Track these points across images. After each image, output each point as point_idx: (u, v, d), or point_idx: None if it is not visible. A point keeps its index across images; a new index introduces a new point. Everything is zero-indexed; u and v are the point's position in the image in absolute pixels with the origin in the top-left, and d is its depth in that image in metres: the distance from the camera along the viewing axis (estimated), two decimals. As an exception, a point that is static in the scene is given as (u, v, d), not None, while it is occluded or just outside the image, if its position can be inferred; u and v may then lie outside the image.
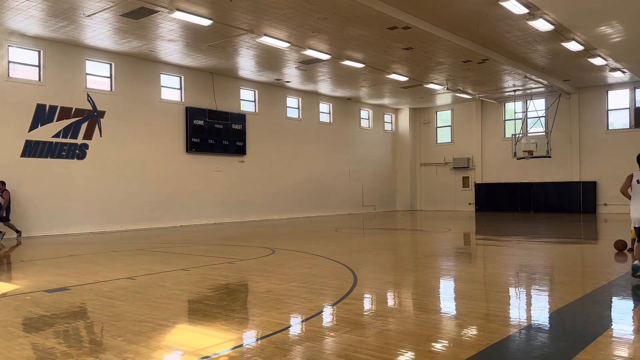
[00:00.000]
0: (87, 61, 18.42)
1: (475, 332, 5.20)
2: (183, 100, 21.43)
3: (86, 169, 18.25)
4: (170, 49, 18.58)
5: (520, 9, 14.58)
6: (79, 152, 18.11)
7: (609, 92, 26.85)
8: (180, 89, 21.45)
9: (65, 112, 17.77)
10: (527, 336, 5.03)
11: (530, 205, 28.97)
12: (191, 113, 21.43)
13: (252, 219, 23.83)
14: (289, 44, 17.57)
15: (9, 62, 16.65)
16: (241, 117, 23.41)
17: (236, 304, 6.80)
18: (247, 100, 24.22)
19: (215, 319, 5.80)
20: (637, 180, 8.13)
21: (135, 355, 4.50)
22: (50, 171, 17.39)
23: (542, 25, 15.84)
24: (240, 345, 4.89)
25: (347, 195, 29.33)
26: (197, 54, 19.27)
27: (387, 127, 33.05)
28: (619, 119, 26.87)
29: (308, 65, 21.21)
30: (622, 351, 4.65)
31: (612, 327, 5.36)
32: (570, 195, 27.61)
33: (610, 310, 6.32)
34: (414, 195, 33.31)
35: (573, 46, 18.32)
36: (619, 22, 16.25)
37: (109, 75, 19.17)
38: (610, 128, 26.97)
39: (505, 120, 30.36)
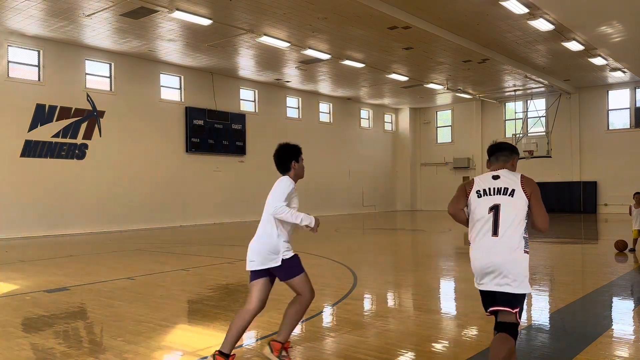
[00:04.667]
0: (86, 61, 18.40)
1: (475, 333, 5.19)
2: (183, 100, 21.41)
3: (86, 169, 18.24)
4: (170, 48, 18.56)
5: (520, 9, 14.56)
6: (78, 152, 18.10)
7: (609, 92, 26.84)
8: (180, 88, 21.44)
9: (65, 112, 17.76)
10: (527, 336, 5.02)
11: (530, 205, 28.91)
12: (191, 113, 21.41)
13: (252, 219, 23.78)
14: (289, 44, 17.56)
15: (8, 62, 16.64)
16: (241, 117, 23.40)
17: (236, 304, 6.80)
18: (247, 100, 24.21)
19: (215, 319, 5.79)
20: None
21: (135, 356, 4.49)
22: (50, 171, 17.38)
23: (542, 25, 15.83)
24: (240, 346, 4.89)
25: (347, 195, 29.31)
26: (197, 53, 19.26)
27: (387, 127, 33.03)
28: (620, 119, 26.86)
29: (308, 65, 21.19)
30: (623, 351, 4.64)
31: (612, 327, 5.35)
32: (571, 195, 27.60)
33: (611, 311, 6.32)
34: (414, 195, 33.29)
35: (573, 46, 18.30)
36: (619, 22, 16.23)
37: (108, 75, 19.16)
38: (610, 128, 26.95)
39: (505, 120, 30.35)
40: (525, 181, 3.61)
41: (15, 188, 16.56)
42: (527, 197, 3.56)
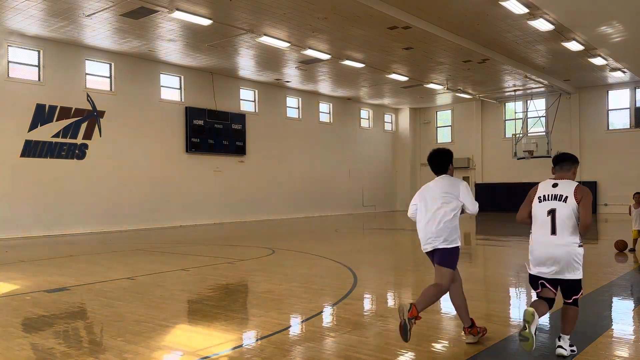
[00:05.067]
0: (86, 61, 18.40)
1: (475, 333, 5.17)
2: (183, 100, 21.41)
3: (86, 169, 18.24)
4: (170, 48, 18.56)
5: (520, 9, 14.56)
6: (78, 152, 18.09)
7: (609, 92, 26.83)
8: (180, 88, 21.44)
9: (65, 112, 17.76)
10: (527, 336, 5.01)
11: (530, 205, 28.90)
12: (191, 113, 21.41)
13: (252, 219, 23.81)
14: (289, 44, 17.56)
15: (8, 62, 16.64)
16: (241, 117, 23.40)
17: (236, 304, 6.80)
18: (247, 100, 24.20)
19: (215, 319, 5.79)
20: None
21: (135, 356, 4.49)
22: (50, 171, 17.37)
23: (542, 25, 15.83)
24: (240, 346, 4.89)
25: (347, 195, 29.31)
26: (197, 53, 19.26)
27: (387, 127, 33.03)
28: (620, 119, 26.86)
29: (308, 65, 21.19)
30: (623, 351, 4.65)
31: (612, 327, 5.35)
32: (571, 195, 27.57)
33: (611, 311, 6.32)
34: (414, 195, 33.22)
35: (573, 46, 18.30)
36: (619, 22, 16.23)
37: (108, 75, 19.16)
38: (610, 128, 26.95)
39: (505, 120, 30.34)
40: (578, 189, 4.35)
41: (15, 188, 16.55)
42: (577, 202, 4.30)
